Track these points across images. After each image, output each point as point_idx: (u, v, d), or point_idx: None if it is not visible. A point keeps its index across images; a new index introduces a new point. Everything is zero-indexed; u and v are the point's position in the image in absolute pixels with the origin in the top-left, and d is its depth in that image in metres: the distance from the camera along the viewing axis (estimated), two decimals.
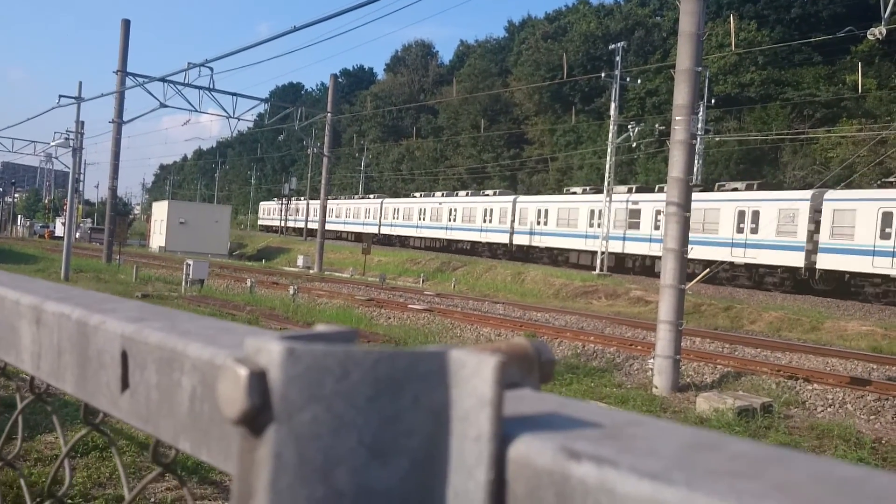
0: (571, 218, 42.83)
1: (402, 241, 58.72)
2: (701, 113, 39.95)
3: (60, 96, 32.67)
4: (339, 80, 78.22)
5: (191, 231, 59.42)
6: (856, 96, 43.48)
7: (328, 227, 53.65)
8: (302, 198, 75.44)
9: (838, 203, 30.42)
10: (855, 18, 41.82)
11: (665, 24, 59.30)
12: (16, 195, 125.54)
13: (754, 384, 14.34)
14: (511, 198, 48.66)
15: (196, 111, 37.80)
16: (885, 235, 29.10)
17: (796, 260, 31.84)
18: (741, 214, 33.97)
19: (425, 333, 19.55)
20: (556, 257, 44.17)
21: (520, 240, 46.67)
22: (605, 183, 39.15)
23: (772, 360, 16.96)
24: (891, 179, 31.07)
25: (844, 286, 30.64)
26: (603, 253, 38.33)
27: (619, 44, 40.16)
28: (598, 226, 40.22)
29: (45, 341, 0.85)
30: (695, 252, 31.83)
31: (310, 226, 65.97)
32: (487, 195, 51.91)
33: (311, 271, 44.60)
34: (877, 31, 19.23)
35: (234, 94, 38.37)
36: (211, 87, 35.21)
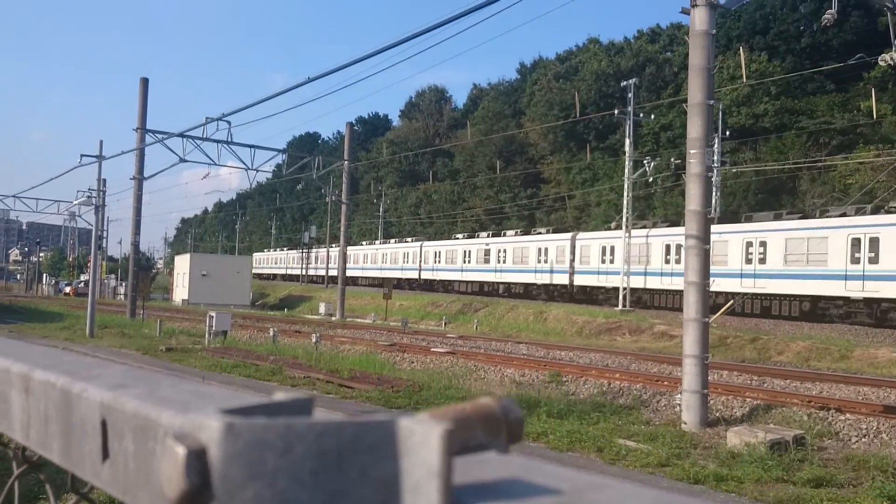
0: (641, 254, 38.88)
1: (446, 286, 55.03)
2: (716, 145, 39.94)
3: (82, 156, 33.20)
4: (355, 127, 79.10)
5: (213, 283, 59.78)
6: (871, 122, 43.32)
7: (353, 273, 52.59)
8: (322, 246, 75.80)
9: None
10: (865, 45, 41.85)
11: (676, 59, 59.66)
12: (41, 254, 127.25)
13: (785, 416, 14.11)
14: (569, 235, 45.30)
15: (215, 164, 38.31)
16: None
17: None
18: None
19: (448, 377, 19.45)
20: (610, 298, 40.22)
21: (581, 280, 42.94)
22: (623, 219, 39.08)
23: (802, 391, 16.69)
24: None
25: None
26: (625, 289, 38.11)
27: (630, 81, 40.39)
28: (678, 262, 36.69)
29: (33, 410, 0.84)
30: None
31: (323, 272, 65.97)
32: (541, 233, 48.71)
33: (334, 318, 44.65)
34: (888, 57, 19.24)
35: (251, 147, 38.86)
36: (229, 140, 35.67)
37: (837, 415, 13.83)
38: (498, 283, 50.28)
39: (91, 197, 30.84)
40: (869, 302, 29.15)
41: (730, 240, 34.12)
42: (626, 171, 39.86)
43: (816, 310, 30.93)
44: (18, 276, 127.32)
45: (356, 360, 22.12)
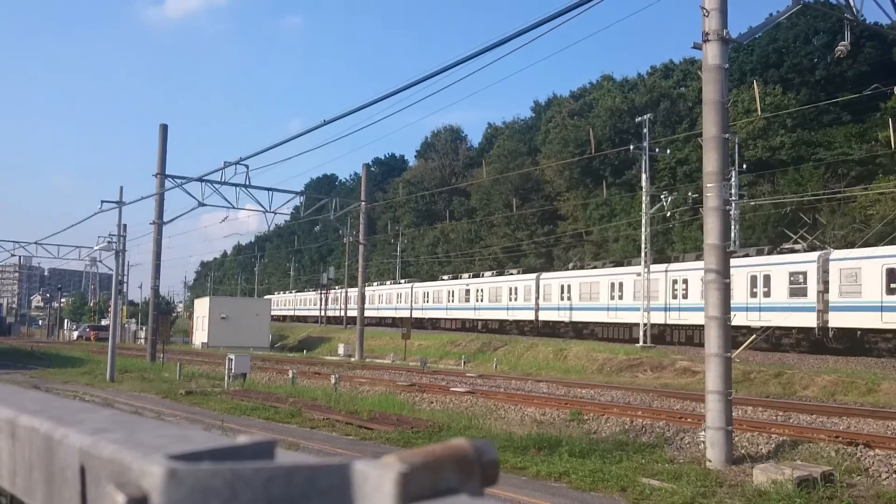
0: (594, 291, 43.09)
1: (434, 324, 58.95)
2: (733, 179, 39.80)
3: (102, 202, 33.57)
4: (372, 168, 79.78)
5: (232, 325, 59.92)
6: (890, 152, 43.07)
7: (369, 313, 53.87)
8: (341, 286, 75.95)
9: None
10: (880, 76, 41.85)
11: (690, 94, 59.80)
12: (62, 300, 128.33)
13: (812, 452, 13.82)
14: (534, 275, 49.11)
15: (234, 208, 38.68)
16: (891, 291, 28.95)
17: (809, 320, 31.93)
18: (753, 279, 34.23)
19: (468, 416, 19.26)
20: (580, 330, 44.00)
21: (545, 315, 46.96)
22: (642, 254, 38.88)
23: (829, 427, 16.38)
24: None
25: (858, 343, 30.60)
26: (646, 325, 37.78)
27: (645, 116, 40.47)
28: (620, 298, 41.11)
29: (19, 456, 0.81)
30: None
31: (340, 312, 66.27)
32: (512, 274, 52.60)
33: (353, 359, 44.55)
34: None
35: (269, 189, 39.21)
36: (247, 183, 35.99)
37: (866, 450, 13.53)
38: (476, 321, 54.27)
39: (111, 242, 31.14)
40: (765, 329, 33.07)
41: (660, 278, 38.50)
42: (644, 206, 39.77)
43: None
44: (40, 322, 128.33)
45: (375, 400, 21.99)
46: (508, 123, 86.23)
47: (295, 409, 19.70)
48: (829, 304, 31.07)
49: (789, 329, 33.06)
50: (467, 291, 55.55)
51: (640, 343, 37.27)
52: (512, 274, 53.06)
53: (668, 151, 47.86)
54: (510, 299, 50.24)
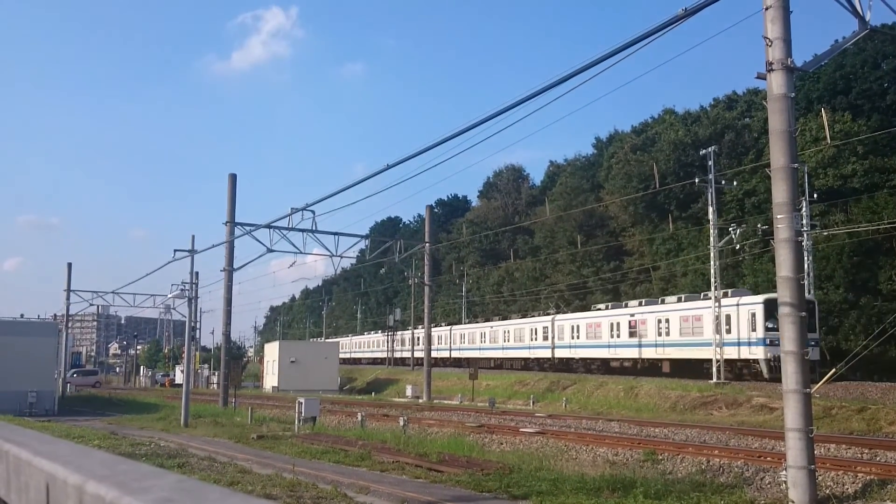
0: (598, 331, 47.47)
1: (588, 366, 59.70)
2: (804, 209, 38.87)
3: (175, 250, 34.59)
4: (435, 210, 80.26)
5: (302, 369, 60.62)
6: None
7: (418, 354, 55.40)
8: (407, 328, 76.26)
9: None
10: None
11: (755, 124, 58.73)
12: (138, 347, 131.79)
13: None
14: (549, 317, 53.66)
15: (301, 253, 39.46)
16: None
17: None
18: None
19: (539, 458, 18.99)
20: (589, 366, 47.86)
21: (560, 353, 51.18)
22: (712, 288, 38.07)
23: None
24: None
25: None
26: (718, 361, 36.84)
27: (710, 148, 39.92)
28: (618, 336, 45.40)
29: None
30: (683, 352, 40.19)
31: (408, 354, 66.58)
32: (533, 316, 57.02)
33: (420, 400, 44.47)
34: None
35: (335, 234, 39.80)
36: (314, 228, 36.60)
37: None
38: (501, 359, 58.93)
39: (184, 290, 31.93)
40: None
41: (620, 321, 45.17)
42: (712, 239, 39.05)
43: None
44: (117, 369, 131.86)
45: (444, 442, 21.86)
46: (570, 161, 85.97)
47: (364, 451, 19.71)
48: None
49: None
50: (494, 333, 60.46)
51: (714, 379, 36.32)
52: (533, 316, 57.72)
53: (735, 183, 47.04)
54: (531, 339, 54.99)
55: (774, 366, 32.66)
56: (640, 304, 45.42)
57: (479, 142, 17.23)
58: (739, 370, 37.13)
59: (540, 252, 76.80)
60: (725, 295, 38.44)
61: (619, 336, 45.02)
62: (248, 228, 38.54)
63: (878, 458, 16.76)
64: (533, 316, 57.75)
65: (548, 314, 55.82)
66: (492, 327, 60.99)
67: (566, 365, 49.72)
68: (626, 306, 46.56)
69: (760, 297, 36.48)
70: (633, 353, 43.84)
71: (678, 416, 30.21)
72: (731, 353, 36.89)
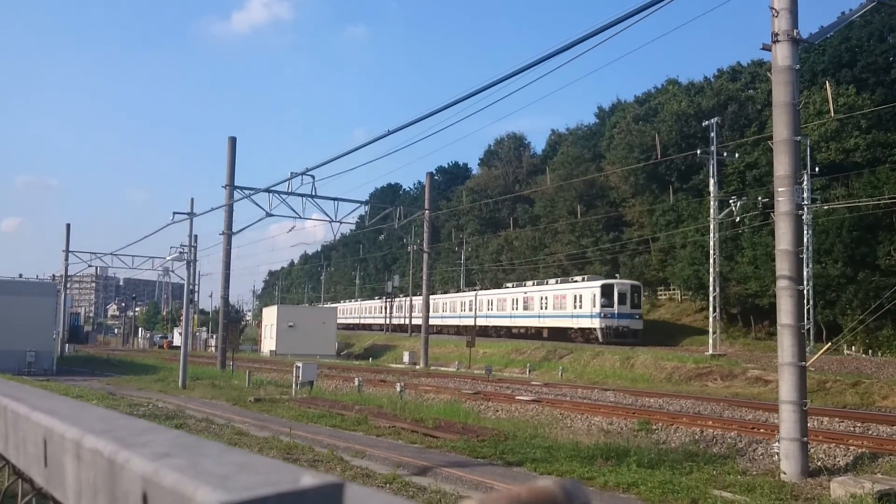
0: (503, 304, 58.67)
1: (497, 332, 60.80)
2: (805, 182, 38.75)
3: (174, 213, 34.50)
4: (435, 177, 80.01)
5: (299, 334, 60.83)
6: None
7: (432, 321, 55.13)
8: (405, 294, 76.44)
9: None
10: None
11: (758, 96, 58.33)
12: (137, 309, 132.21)
13: (894, 466, 13.31)
14: (473, 293, 62.67)
15: (300, 218, 39.29)
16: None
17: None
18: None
19: (534, 425, 19.14)
20: (498, 332, 57.11)
21: (480, 321, 59.55)
22: (711, 261, 38.12)
23: None
24: None
25: None
26: (714, 333, 37.03)
27: (712, 120, 39.70)
28: (516, 309, 57.17)
29: (84, 478, 0.81)
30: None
31: (404, 321, 66.74)
32: (576, 281, 54.48)
33: (418, 367, 44.72)
34: None
35: (335, 199, 39.73)
36: (313, 193, 36.51)
37: None
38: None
39: (183, 253, 31.92)
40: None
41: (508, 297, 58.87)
42: (712, 211, 39.03)
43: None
44: (116, 331, 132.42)
45: (441, 409, 22.01)
46: (572, 130, 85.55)
47: (361, 416, 19.85)
48: None
49: None
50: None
51: (710, 351, 36.52)
52: (576, 280, 55.72)
53: (737, 155, 46.82)
54: (461, 310, 63.21)
55: (606, 332, 46.37)
56: (533, 285, 56.27)
57: (481, 109, 17.17)
58: (587, 336, 48.01)
59: (539, 221, 76.69)
60: (583, 279, 51.08)
61: (516, 309, 56.69)
62: (247, 192, 38.45)
63: (870, 432, 16.89)
64: (464, 291, 67.17)
65: (473, 290, 66.14)
66: (434, 300, 61.72)
67: (484, 331, 58.07)
68: (525, 286, 57.33)
69: (598, 283, 48.88)
70: (526, 323, 55.20)
71: (673, 387, 30.42)
72: (583, 323, 48.63)
